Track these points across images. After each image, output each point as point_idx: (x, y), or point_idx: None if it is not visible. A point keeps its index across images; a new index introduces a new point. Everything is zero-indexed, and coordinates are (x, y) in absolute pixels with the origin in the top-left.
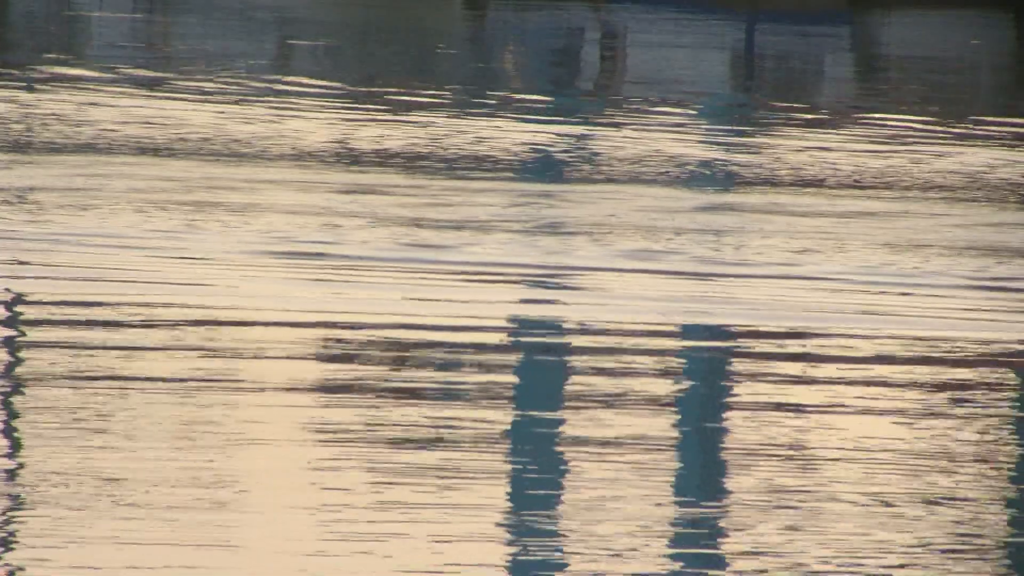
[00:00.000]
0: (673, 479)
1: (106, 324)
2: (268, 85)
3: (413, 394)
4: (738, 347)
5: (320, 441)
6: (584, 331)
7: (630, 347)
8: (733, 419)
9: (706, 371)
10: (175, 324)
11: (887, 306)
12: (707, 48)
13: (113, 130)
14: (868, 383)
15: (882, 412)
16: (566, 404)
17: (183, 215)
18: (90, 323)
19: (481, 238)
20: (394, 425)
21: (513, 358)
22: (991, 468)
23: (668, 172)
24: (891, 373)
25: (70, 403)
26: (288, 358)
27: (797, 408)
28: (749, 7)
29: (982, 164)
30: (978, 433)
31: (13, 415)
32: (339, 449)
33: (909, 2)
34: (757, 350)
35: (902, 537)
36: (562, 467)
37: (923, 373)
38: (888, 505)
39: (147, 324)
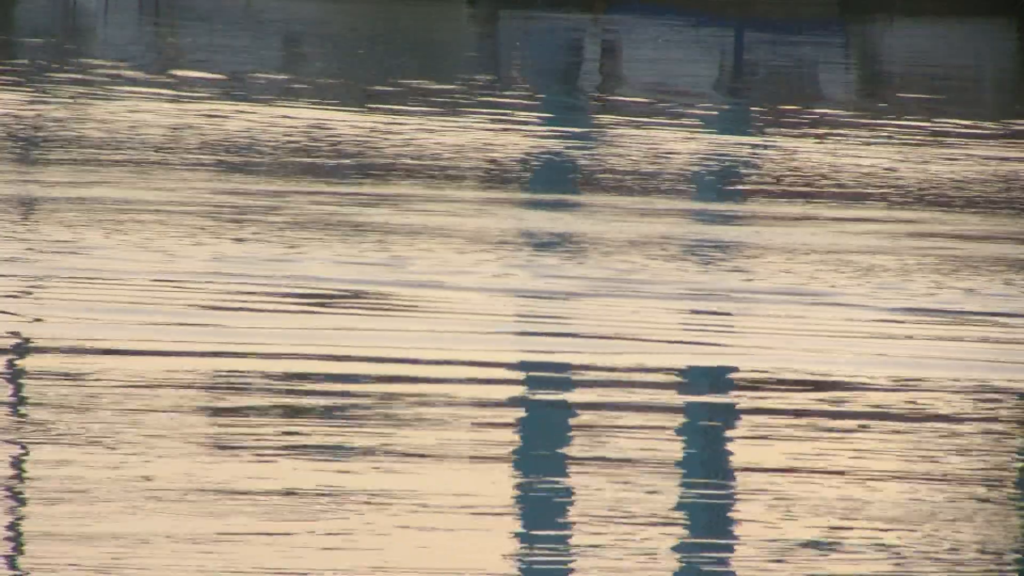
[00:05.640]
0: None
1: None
2: (270, 89)
3: (390, 423)
4: (741, 376)
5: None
6: (573, 368)
7: (609, 381)
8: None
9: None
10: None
11: (900, 332)
12: (703, 56)
13: (116, 137)
14: (886, 416)
15: (903, 450)
16: (569, 431)
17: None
18: None
19: (465, 256)
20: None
21: (503, 395)
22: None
23: (662, 181)
24: (907, 407)
25: None
26: (276, 391)
27: (815, 441)
28: (741, 15)
29: (990, 171)
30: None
31: None
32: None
33: (909, 11)
34: (765, 379)
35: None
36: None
37: (944, 406)
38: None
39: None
